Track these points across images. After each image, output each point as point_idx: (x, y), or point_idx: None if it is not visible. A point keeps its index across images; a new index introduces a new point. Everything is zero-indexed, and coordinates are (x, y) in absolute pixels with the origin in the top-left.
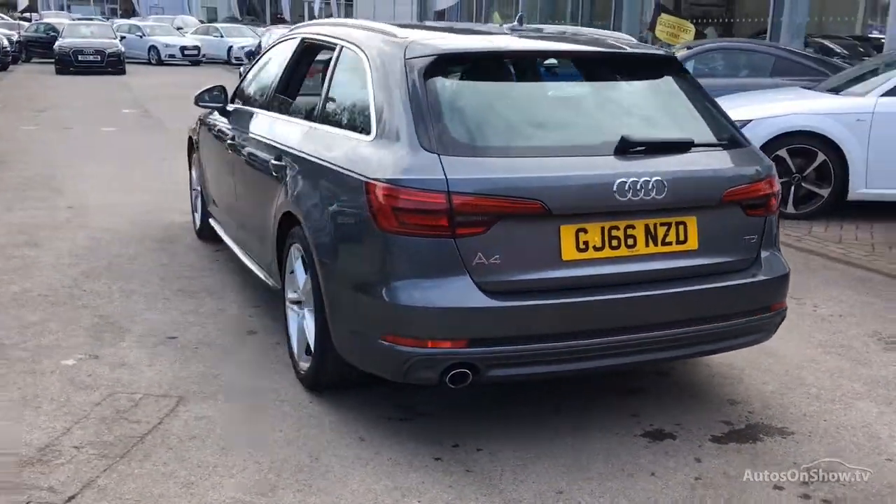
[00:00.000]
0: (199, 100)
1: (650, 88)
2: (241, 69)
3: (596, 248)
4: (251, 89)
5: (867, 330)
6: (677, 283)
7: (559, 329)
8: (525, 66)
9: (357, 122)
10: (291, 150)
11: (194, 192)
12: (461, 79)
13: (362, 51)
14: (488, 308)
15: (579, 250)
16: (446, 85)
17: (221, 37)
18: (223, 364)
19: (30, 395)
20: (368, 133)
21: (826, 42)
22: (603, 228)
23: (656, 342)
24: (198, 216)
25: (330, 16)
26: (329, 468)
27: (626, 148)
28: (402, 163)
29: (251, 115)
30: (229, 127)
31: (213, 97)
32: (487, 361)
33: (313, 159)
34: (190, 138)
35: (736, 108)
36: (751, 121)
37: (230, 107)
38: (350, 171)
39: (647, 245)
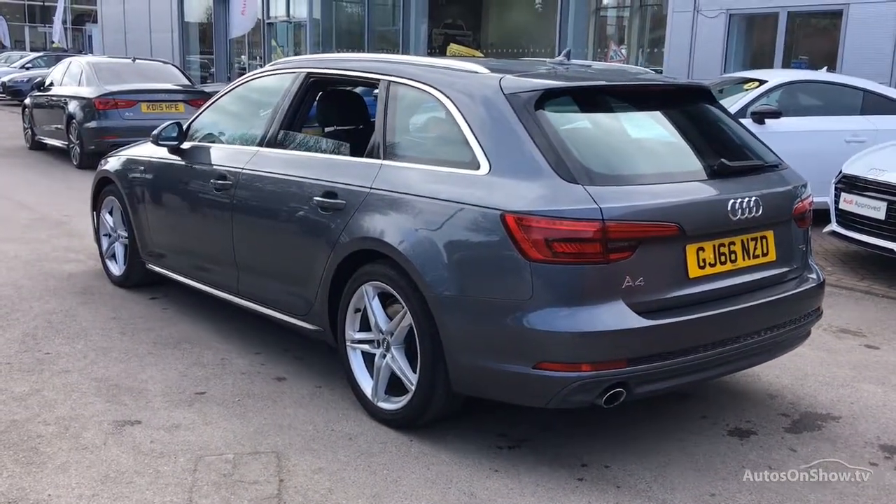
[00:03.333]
0: (159, 139)
1: (709, 116)
2: (28, 100)
3: (710, 265)
4: (225, 127)
5: None
6: (765, 292)
7: (696, 342)
8: (616, 100)
9: (450, 157)
10: (360, 188)
11: (107, 239)
12: (566, 112)
13: (431, 86)
14: (644, 328)
15: (700, 267)
16: (558, 118)
17: None
18: (282, 415)
19: (110, 471)
20: (476, 168)
21: None
22: (715, 246)
23: (755, 348)
24: (116, 265)
25: (53, 42)
26: (493, 502)
27: (724, 171)
28: (549, 194)
29: (241, 153)
30: (198, 165)
31: (169, 135)
32: (640, 379)
33: (402, 195)
34: (104, 179)
35: None
36: None
37: (186, 145)
38: (473, 204)
39: (743, 259)
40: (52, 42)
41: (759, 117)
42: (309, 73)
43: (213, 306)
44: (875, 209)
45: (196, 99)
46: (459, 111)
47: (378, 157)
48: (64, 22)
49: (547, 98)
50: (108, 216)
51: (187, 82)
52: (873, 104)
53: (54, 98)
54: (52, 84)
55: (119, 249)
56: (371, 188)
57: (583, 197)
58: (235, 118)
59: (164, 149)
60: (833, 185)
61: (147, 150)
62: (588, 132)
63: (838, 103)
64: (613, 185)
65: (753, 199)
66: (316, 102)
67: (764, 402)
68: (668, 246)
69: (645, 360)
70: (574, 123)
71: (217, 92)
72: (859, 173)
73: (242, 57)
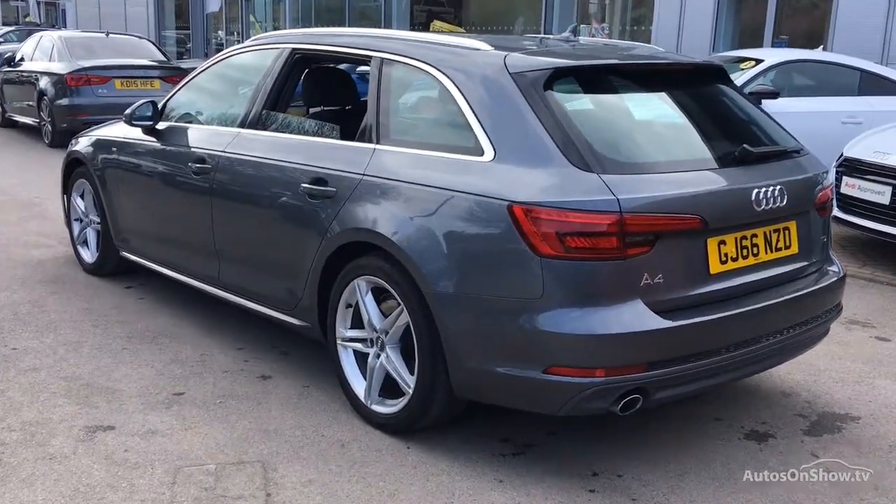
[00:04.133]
0: (132, 119)
1: (726, 98)
2: None
3: (733, 259)
4: (203, 106)
5: None
6: (787, 287)
7: (718, 343)
8: (630, 80)
9: (451, 141)
10: (352, 175)
11: (79, 224)
12: (577, 93)
13: (429, 64)
14: (664, 329)
15: (721, 262)
16: (569, 100)
17: None
18: (267, 418)
19: (80, 485)
20: (479, 153)
21: None
22: (736, 239)
23: (777, 348)
24: (89, 252)
25: (26, 16)
26: None
27: (746, 158)
28: (561, 183)
29: (222, 135)
30: (174, 147)
31: (143, 114)
32: (659, 384)
33: (398, 183)
34: (74, 161)
35: None
36: None
37: (161, 125)
38: (476, 193)
39: (766, 252)
40: (26, 16)
41: (756, 97)
42: (294, 49)
43: (192, 297)
44: (879, 194)
45: (172, 75)
46: (460, 91)
47: (371, 141)
48: None
49: (556, 78)
50: (79, 200)
51: (163, 58)
52: (870, 84)
53: (25, 74)
54: (22, 59)
55: (91, 235)
56: (364, 175)
57: (598, 186)
58: (215, 97)
59: (138, 129)
60: (833, 169)
61: (120, 131)
62: (601, 115)
63: (835, 83)
64: (630, 173)
65: (778, 187)
66: (302, 81)
67: (778, 402)
68: (689, 240)
69: (665, 364)
70: (586, 106)
71: (195, 68)
72: (862, 156)
73: (220, 32)
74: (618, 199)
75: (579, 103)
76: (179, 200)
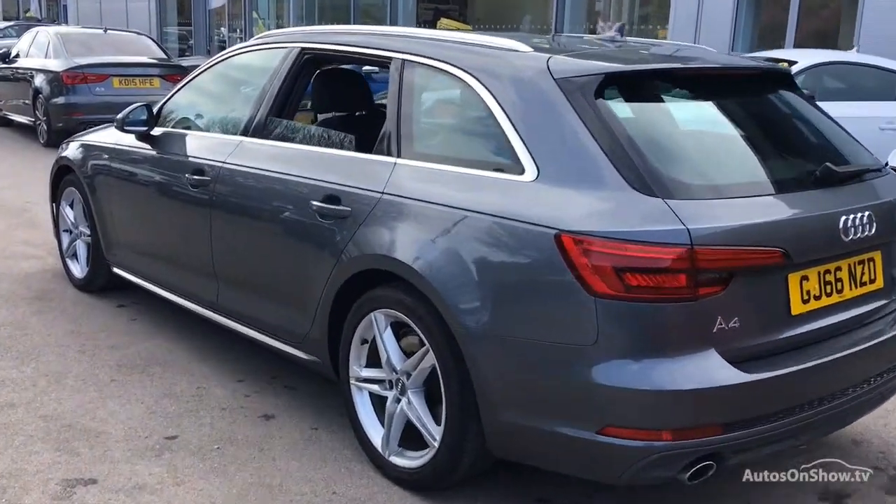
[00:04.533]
0: (124, 124)
1: (797, 109)
2: None
3: (815, 298)
4: (202, 111)
5: None
6: (872, 327)
7: (804, 397)
8: (693, 88)
9: (485, 157)
10: (370, 193)
11: (68, 235)
12: (633, 103)
13: (458, 67)
14: (742, 384)
15: (804, 302)
16: (624, 110)
17: None
18: (271, 469)
19: None
20: (519, 172)
21: None
22: (820, 273)
23: (865, 400)
24: (79, 266)
25: (26, 11)
26: None
27: (829, 179)
28: (618, 209)
29: (223, 144)
30: (170, 156)
31: (137, 119)
32: (736, 447)
33: (424, 204)
34: (63, 168)
35: None
36: None
37: (156, 131)
38: (516, 219)
39: (850, 288)
40: (27, 11)
41: None
42: (304, 49)
43: (189, 318)
44: None
45: (172, 74)
46: (496, 99)
47: (391, 155)
48: None
49: (608, 84)
50: (68, 209)
51: (163, 56)
52: None
53: (20, 71)
54: (18, 55)
55: (81, 248)
56: (383, 193)
57: (663, 213)
58: (215, 101)
59: (131, 135)
60: None
61: (111, 136)
62: (662, 129)
63: (871, 87)
64: (700, 197)
65: (867, 213)
66: (311, 84)
67: (849, 451)
68: (768, 276)
69: (743, 425)
70: (644, 117)
71: (196, 66)
72: None
73: (222, 29)
74: (687, 229)
75: (636, 114)
76: (175, 215)
